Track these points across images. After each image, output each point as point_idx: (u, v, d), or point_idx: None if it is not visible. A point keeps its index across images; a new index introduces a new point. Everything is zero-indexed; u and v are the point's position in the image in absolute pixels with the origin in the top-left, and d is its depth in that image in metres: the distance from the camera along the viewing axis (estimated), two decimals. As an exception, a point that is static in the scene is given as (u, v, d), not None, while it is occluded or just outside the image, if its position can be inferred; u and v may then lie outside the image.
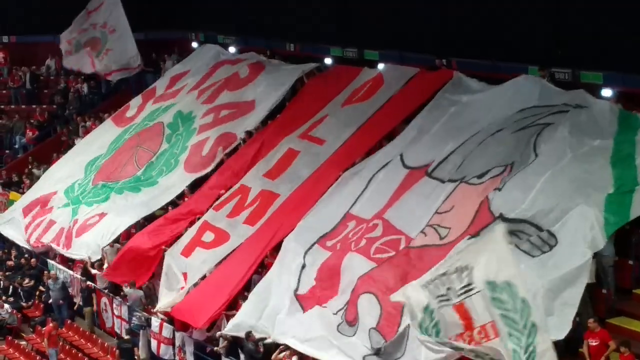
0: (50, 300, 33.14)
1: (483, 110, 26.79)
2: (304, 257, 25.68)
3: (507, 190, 23.09)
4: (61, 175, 37.68)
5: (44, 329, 30.52)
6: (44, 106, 45.27)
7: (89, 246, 32.97)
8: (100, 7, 41.45)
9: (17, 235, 36.52)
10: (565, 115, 24.44)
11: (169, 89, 38.89)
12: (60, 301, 32.73)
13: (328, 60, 35.21)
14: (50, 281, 33.16)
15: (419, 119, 28.28)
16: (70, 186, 36.56)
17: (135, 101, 39.60)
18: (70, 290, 33.02)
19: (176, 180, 33.78)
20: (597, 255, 21.52)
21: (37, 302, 34.00)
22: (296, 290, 25.10)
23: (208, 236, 29.66)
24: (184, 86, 38.37)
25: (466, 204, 23.64)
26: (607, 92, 25.72)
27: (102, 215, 33.88)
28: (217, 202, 30.67)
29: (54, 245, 34.59)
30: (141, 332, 29.34)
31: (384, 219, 25.26)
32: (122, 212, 33.47)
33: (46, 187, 37.52)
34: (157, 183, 34.16)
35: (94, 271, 32.34)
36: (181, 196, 33.14)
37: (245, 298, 26.65)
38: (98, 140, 38.59)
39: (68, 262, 34.28)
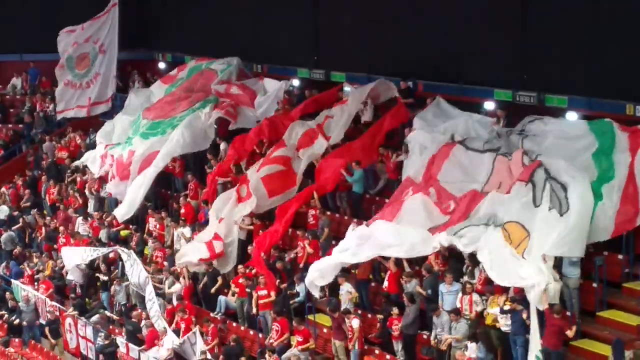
0: (24, 322, 32.89)
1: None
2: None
3: None
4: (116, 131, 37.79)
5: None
6: (10, 125, 45.06)
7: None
8: (103, 17, 41.41)
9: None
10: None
11: None
12: (36, 322, 32.75)
13: (295, 82, 35.35)
14: (22, 303, 33.01)
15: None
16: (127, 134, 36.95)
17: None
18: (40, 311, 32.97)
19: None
20: (562, 278, 21.75)
21: (1, 322, 33.73)
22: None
23: None
24: None
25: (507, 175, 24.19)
26: (572, 116, 25.96)
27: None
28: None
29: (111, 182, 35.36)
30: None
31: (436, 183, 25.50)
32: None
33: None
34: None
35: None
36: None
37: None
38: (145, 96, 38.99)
39: (33, 283, 34.12)
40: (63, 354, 31.54)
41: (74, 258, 32.44)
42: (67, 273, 33.18)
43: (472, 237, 22.82)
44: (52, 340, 31.65)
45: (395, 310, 23.94)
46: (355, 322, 24.26)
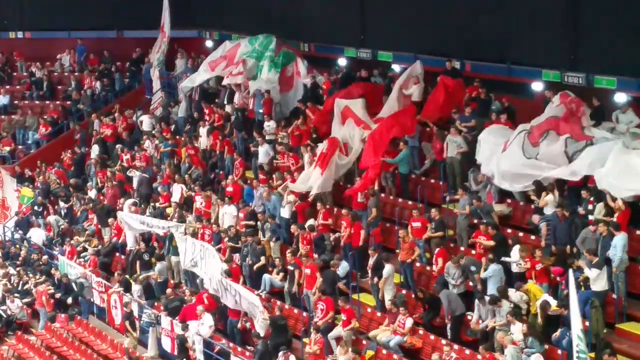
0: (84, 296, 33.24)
1: None
2: None
3: None
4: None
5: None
6: (57, 102, 45.35)
7: None
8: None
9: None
10: None
11: None
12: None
13: (342, 61, 35.25)
14: (81, 278, 33.14)
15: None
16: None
17: None
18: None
19: None
20: (609, 261, 21.57)
21: (47, 298, 33.94)
22: None
23: None
24: None
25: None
26: (621, 97, 25.61)
27: None
28: None
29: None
30: (150, 329, 29.41)
31: None
32: None
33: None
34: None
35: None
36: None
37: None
38: None
39: (77, 260, 34.34)
40: (137, 347, 30.12)
41: (132, 225, 32.64)
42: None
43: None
44: (133, 334, 30.22)
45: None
46: (409, 321, 24.31)
